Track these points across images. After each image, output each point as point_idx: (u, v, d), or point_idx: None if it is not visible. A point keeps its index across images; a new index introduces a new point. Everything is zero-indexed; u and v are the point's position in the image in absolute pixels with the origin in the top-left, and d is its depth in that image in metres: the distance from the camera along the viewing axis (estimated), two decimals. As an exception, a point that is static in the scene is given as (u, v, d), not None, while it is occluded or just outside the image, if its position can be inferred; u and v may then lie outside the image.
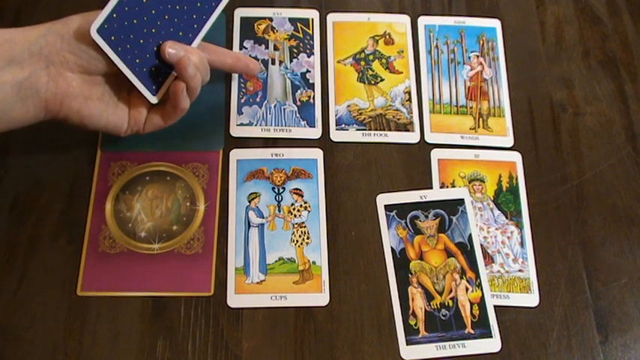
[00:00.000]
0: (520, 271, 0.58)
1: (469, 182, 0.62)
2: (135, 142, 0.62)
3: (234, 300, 0.56)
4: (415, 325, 0.56)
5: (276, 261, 0.58)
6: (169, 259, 0.57)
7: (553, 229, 0.60)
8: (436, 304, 0.56)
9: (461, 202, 0.60)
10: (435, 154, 0.63)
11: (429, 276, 0.57)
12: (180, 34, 0.54)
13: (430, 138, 0.64)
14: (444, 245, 0.59)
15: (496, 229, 0.60)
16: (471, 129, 0.65)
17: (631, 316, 0.57)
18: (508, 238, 0.60)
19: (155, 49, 0.53)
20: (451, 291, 0.57)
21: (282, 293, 0.57)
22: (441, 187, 0.61)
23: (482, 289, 0.57)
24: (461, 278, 0.57)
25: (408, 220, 0.59)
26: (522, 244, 0.60)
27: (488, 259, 0.59)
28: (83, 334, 0.54)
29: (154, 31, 0.52)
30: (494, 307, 0.57)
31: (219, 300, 0.56)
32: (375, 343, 0.55)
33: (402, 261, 0.58)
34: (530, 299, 0.57)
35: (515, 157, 0.63)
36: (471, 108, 0.66)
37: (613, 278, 0.58)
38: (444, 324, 0.56)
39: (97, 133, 0.62)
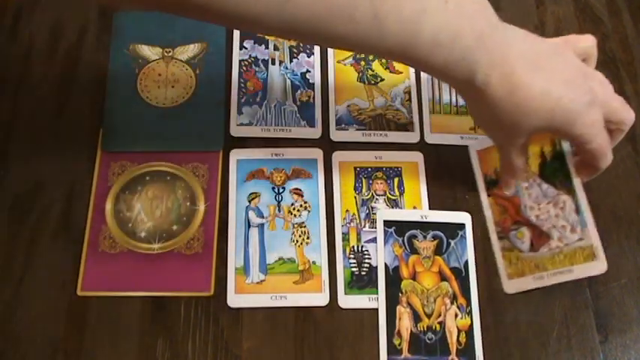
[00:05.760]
0: (580, 239, 0.55)
1: None
2: (135, 142, 0.62)
3: (234, 300, 0.56)
4: (399, 345, 0.54)
5: (276, 261, 0.58)
6: (169, 259, 0.57)
7: (553, 229, 0.60)
8: (423, 327, 0.55)
9: (461, 226, 0.58)
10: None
11: (420, 297, 0.56)
12: None
13: (430, 138, 0.64)
14: (439, 268, 0.57)
15: (547, 203, 0.57)
16: (470, 129, 0.64)
17: (631, 316, 0.57)
18: (561, 209, 0.57)
19: None
20: (440, 315, 0.55)
21: (282, 293, 0.56)
22: (484, 177, 0.60)
23: (471, 317, 0.55)
24: (451, 303, 0.56)
25: (405, 238, 0.58)
26: (577, 210, 0.56)
27: (545, 237, 0.56)
28: (83, 334, 0.54)
29: None
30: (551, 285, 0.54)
31: (219, 300, 0.56)
32: (375, 343, 0.55)
33: (394, 278, 0.56)
34: (597, 267, 0.54)
35: None
36: (471, 108, 0.65)
37: (613, 278, 0.58)
38: (429, 347, 0.54)
39: (96, 133, 0.62)
